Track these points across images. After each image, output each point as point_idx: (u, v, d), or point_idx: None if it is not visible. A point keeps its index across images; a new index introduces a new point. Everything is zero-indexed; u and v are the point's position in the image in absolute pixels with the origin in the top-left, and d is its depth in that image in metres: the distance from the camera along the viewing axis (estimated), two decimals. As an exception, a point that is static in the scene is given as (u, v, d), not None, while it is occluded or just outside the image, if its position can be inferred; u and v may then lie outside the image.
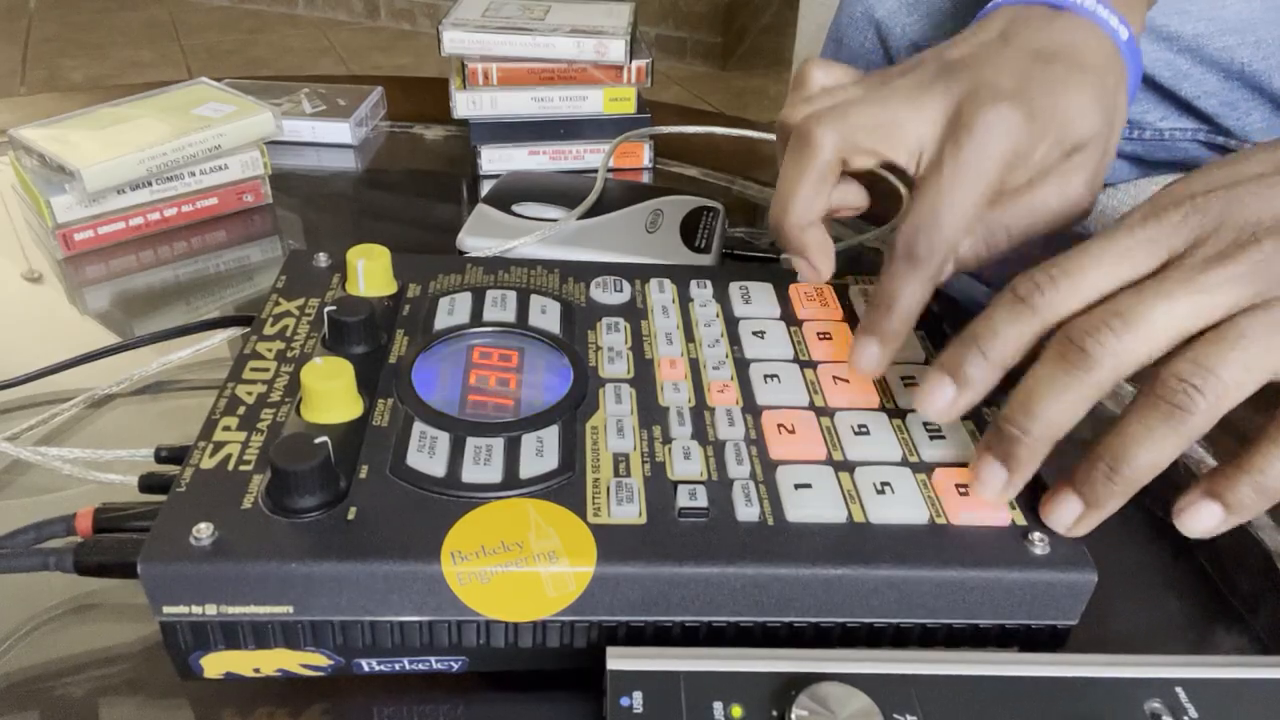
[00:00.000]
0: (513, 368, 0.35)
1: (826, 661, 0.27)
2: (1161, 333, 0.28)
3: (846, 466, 0.32)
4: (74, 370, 0.43)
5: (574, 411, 0.33)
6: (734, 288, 0.41)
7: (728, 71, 2.57)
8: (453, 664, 0.30)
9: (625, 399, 0.34)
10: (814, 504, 0.30)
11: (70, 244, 0.55)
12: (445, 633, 0.28)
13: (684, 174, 0.67)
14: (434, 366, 0.35)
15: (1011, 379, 0.31)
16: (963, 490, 0.31)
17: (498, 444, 0.31)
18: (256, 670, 0.29)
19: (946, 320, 0.39)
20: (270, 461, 0.28)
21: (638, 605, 0.28)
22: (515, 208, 0.53)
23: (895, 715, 0.25)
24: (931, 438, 0.33)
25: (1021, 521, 0.30)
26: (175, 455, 0.36)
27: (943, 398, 0.31)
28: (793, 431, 0.33)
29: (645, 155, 0.67)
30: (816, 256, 0.38)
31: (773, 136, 0.66)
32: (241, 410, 0.32)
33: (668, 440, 0.32)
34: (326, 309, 0.35)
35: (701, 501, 0.30)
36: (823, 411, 0.34)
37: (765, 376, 0.35)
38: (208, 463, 0.30)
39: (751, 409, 0.34)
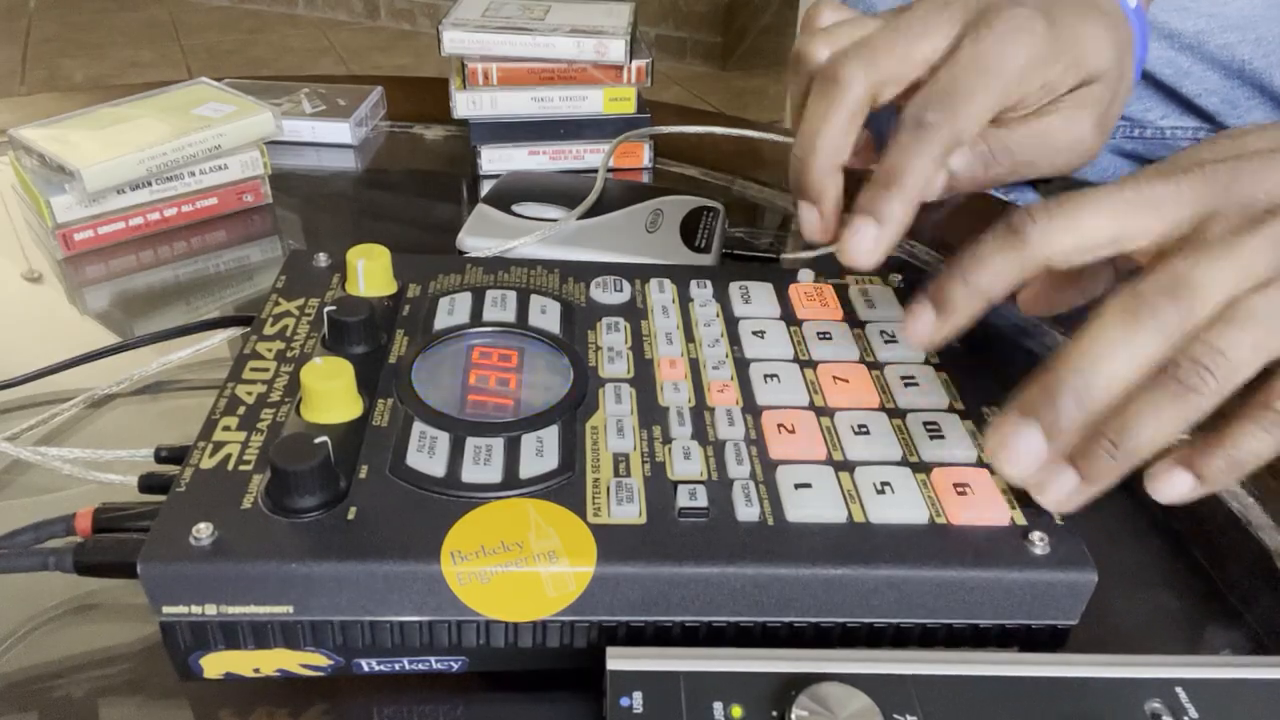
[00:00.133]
0: (513, 368, 0.35)
1: (826, 662, 0.27)
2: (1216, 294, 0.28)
3: (846, 466, 0.32)
4: (74, 370, 0.43)
5: (574, 411, 0.33)
6: (734, 288, 0.41)
7: (728, 71, 2.57)
8: (453, 664, 0.30)
9: (625, 399, 0.34)
10: (814, 504, 0.30)
11: (70, 244, 0.55)
12: (445, 633, 0.28)
13: (684, 174, 0.67)
14: (434, 366, 0.35)
15: (1010, 379, 0.30)
16: (962, 490, 0.31)
17: (498, 444, 0.31)
18: (256, 670, 0.29)
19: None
20: (270, 461, 0.28)
21: (638, 605, 0.28)
22: (515, 208, 0.53)
23: (895, 715, 0.25)
24: (932, 438, 0.33)
25: (1021, 521, 0.30)
26: (175, 455, 0.36)
27: (924, 324, 0.31)
28: (793, 431, 0.33)
29: (645, 155, 0.67)
30: (830, 208, 0.37)
31: (773, 136, 0.66)
32: (241, 410, 0.32)
33: (668, 440, 0.32)
34: (326, 309, 0.35)
35: (701, 501, 0.30)
36: (823, 411, 0.34)
37: (765, 376, 0.35)
38: (208, 463, 0.30)
39: (751, 409, 0.34)
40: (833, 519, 0.30)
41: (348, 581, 0.27)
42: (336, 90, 0.72)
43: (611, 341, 0.37)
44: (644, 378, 0.35)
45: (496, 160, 0.65)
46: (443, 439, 0.31)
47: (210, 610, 0.27)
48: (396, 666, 0.29)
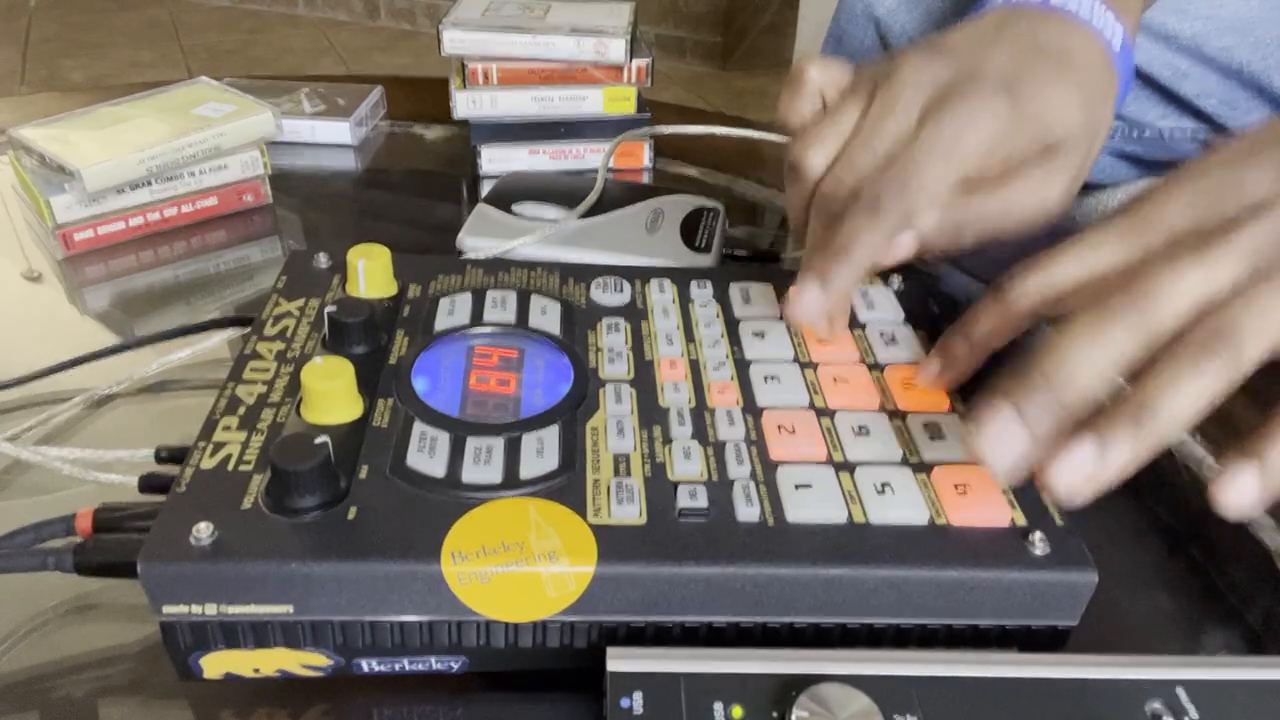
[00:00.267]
0: (513, 368, 0.35)
1: (827, 662, 0.27)
2: (1179, 300, 0.28)
3: (846, 467, 0.32)
4: (74, 370, 0.43)
5: (574, 412, 0.33)
6: (734, 288, 0.41)
7: (728, 71, 2.57)
8: (452, 664, 0.30)
9: (625, 399, 0.34)
10: (814, 504, 0.30)
11: (70, 244, 0.55)
12: (445, 633, 0.28)
13: (684, 174, 0.67)
14: (434, 367, 0.35)
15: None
16: (962, 490, 0.31)
17: (498, 444, 0.31)
18: (256, 670, 0.29)
19: (945, 320, 0.39)
20: (270, 461, 0.28)
21: (638, 605, 0.28)
22: (515, 208, 0.53)
23: (895, 716, 0.25)
24: (932, 438, 0.33)
25: (1021, 521, 0.30)
26: (175, 455, 0.36)
27: (929, 375, 0.35)
28: (793, 432, 0.33)
29: (645, 155, 0.66)
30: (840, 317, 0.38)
31: (773, 137, 0.66)
32: (241, 410, 0.32)
33: (668, 440, 0.32)
34: (327, 309, 0.35)
35: (702, 502, 0.30)
36: (823, 412, 0.34)
37: (765, 377, 0.35)
38: (208, 463, 0.30)
39: (751, 409, 0.34)
40: (833, 519, 0.30)
41: (348, 581, 0.27)
42: (336, 90, 0.72)
43: (612, 342, 0.37)
44: (644, 378, 0.35)
45: (496, 160, 0.65)
46: (443, 439, 0.31)
47: (210, 610, 0.27)
48: (396, 666, 0.29)
